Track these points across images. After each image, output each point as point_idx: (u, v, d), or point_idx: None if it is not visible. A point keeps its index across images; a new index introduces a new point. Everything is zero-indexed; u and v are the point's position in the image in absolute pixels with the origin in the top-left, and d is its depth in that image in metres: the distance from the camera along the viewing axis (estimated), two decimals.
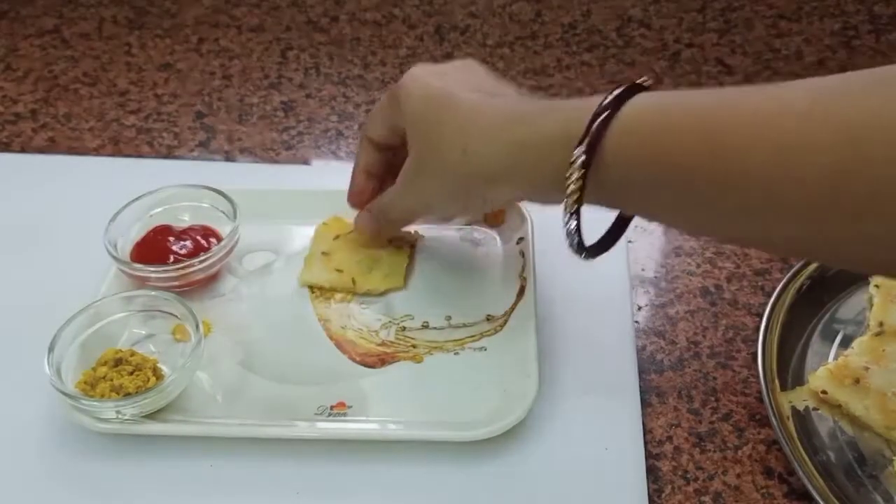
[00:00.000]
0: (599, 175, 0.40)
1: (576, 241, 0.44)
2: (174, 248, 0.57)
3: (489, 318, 0.56)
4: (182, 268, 0.55)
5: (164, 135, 0.76)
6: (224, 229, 0.59)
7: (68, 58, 0.88)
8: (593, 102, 0.40)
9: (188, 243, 0.57)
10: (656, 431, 0.51)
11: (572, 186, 0.41)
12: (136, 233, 0.58)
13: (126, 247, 0.57)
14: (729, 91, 0.38)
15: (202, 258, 0.55)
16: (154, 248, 0.57)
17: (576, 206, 0.42)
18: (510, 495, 0.47)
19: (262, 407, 0.50)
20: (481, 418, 0.49)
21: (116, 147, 0.75)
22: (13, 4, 0.96)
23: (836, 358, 0.53)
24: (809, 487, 0.45)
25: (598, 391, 0.52)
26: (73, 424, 0.49)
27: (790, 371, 0.52)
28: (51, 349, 0.48)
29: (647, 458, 0.49)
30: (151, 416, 0.49)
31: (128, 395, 0.47)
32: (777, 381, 0.51)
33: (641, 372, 0.54)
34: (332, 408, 0.50)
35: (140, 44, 0.90)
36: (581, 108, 0.41)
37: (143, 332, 0.54)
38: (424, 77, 0.49)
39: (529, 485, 0.47)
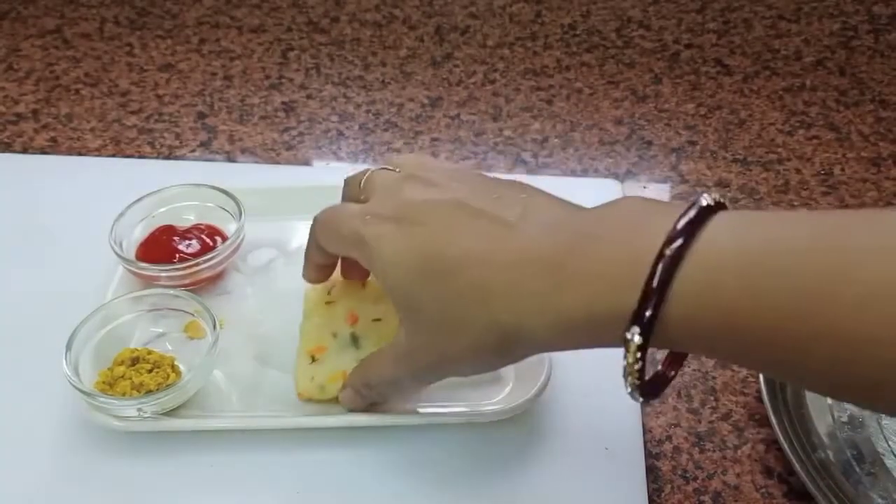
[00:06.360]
0: (658, 340, 0.34)
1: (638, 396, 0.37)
2: (180, 247, 0.57)
3: None
4: (190, 266, 0.55)
5: (165, 135, 0.77)
6: (228, 227, 0.59)
7: (70, 58, 0.88)
8: (639, 258, 0.33)
9: (194, 242, 0.57)
10: (656, 431, 0.51)
11: (628, 366, 0.34)
12: (140, 233, 0.59)
13: (130, 247, 0.58)
14: (831, 229, 0.31)
15: (210, 256, 0.55)
16: (160, 247, 0.57)
17: (637, 382, 0.35)
18: (510, 495, 0.47)
19: (280, 399, 0.51)
20: (498, 400, 0.50)
21: (118, 147, 0.75)
22: (14, 4, 0.96)
23: None
24: (809, 487, 0.45)
25: (598, 391, 0.52)
26: (86, 423, 0.49)
27: None
28: (68, 348, 0.49)
29: (646, 457, 0.49)
30: (169, 413, 0.49)
31: (149, 392, 0.48)
32: (776, 381, 0.51)
33: None
34: None
35: (141, 44, 0.90)
36: (627, 273, 0.33)
37: (156, 331, 0.54)
38: (402, 240, 0.40)
39: (529, 484, 0.47)
